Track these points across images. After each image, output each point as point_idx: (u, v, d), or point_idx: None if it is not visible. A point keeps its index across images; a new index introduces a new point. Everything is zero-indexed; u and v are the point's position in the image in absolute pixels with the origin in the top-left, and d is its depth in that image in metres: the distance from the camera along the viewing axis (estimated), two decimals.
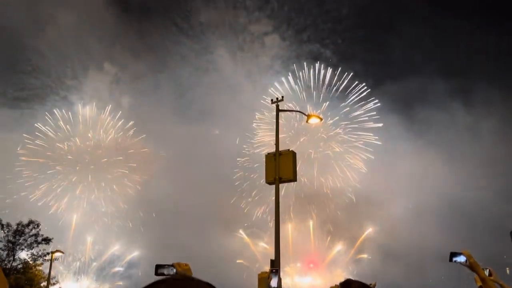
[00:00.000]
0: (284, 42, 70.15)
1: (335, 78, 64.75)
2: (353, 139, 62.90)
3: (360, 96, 63.57)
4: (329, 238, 63.90)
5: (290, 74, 64.69)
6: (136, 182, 64.02)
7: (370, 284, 7.13)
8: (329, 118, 62.66)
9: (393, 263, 58.71)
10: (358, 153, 62.36)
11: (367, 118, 62.53)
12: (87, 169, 63.41)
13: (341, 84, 64.83)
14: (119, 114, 64.46)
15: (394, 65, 77.83)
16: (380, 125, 61.93)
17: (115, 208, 63.08)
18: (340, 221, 64.16)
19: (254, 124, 63.01)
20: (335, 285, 5.06)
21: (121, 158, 63.97)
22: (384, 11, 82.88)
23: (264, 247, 61.14)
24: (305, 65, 65.23)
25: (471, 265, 3.76)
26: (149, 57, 71.78)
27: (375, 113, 63.26)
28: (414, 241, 59.89)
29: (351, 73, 64.73)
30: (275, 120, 16.78)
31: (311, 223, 63.74)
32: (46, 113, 64.06)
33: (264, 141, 60.55)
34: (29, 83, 66.20)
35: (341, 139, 63.28)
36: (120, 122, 64.33)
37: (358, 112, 62.99)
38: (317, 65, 65.17)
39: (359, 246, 64.06)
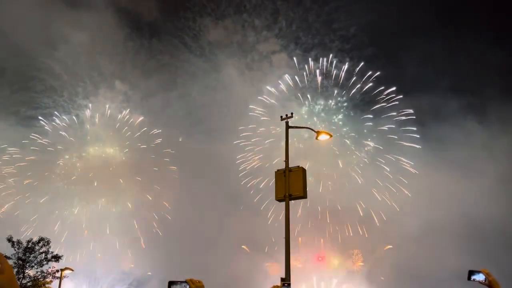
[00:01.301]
0: (292, 61, 70.73)
1: (342, 94, 64.94)
2: (364, 156, 62.64)
3: (369, 113, 63.57)
4: (343, 257, 63.02)
5: (299, 91, 65.00)
6: (147, 199, 64.23)
7: None
8: (338, 134, 62.56)
9: (408, 283, 57.59)
10: (372, 171, 62.03)
11: (375, 134, 62.42)
12: (98, 185, 63.81)
13: (348, 100, 64.94)
14: (129, 131, 65.09)
15: (405, 82, 77.78)
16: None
17: (127, 226, 63.12)
18: (353, 240, 63.36)
19: (265, 140, 63.15)
20: None
21: (135, 175, 64.34)
22: (393, 29, 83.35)
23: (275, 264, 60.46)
24: (315, 82, 65.52)
25: (490, 283, 3.66)
26: (160, 76, 72.77)
27: (383, 129, 63.03)
28: (429, 259, 58.80)
29: (359, 90, 64.83)
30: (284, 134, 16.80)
31: (321, 241, 62.99)
32: (60, 132, 64.96)
33: (275, 158, 60.50)
34: (42, 102, 67.35)
35: (350, 155, 63.03)
36: (132, 139, 64.93)
37: (365, 128, 62.93)
38: (325, 82, 65.50)
39: (373, 265, 63.06)
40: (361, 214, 61.90)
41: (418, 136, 64.62)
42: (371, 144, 63.39)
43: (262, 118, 64.24)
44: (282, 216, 15.45)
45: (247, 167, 63.96)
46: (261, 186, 62.74)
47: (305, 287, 61.65)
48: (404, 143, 63.71)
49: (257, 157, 63.96)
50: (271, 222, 61.76)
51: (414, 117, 63.93)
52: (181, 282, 3.36)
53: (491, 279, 3.66)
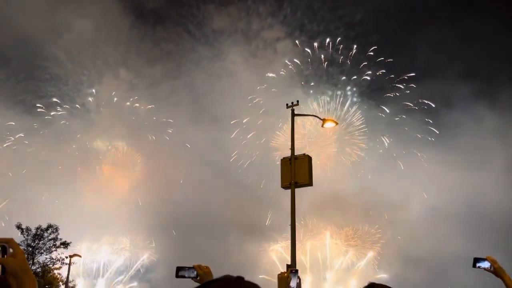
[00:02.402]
0: (297, 48, 70.11)
1: (350, 82, 64.56)
2: (371, 143, 62.53)
3: (376, 99, 63.27)
4: (349, 244, 63.35)
5: (303, 79, 64.72)
6: (154, 186, 64.72)
7: None
8: (344, 123, 62.35)
9: (414, 269, 57.93)
10: (377, 156, 62.01)
11: (383, 120, 62.20)
12: (105, 172, 64.37)
13: (357, 88, 64.59)
14: (137, 119, 65.32)
15: (414, 68, 76.67)
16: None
17: (133, 211, 63.75)
18: (357, 225, 63.57)
19: (269, 128, 63.14)
20: None
21: (140, 161, 64.78)
22: (400, 15, 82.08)
23: (281, 251, 60.96)
24: (321, 69, 65.17)
25: (495, 271, 3.67)
26: (164, 64, 72.47)
27: (389, 117, 62.79)
28: (435, 246, 58.95)
29: (367, 77, 64.41)
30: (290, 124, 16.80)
31: (327, 235, 63.25)
32: (63, 121, 65.35)
33: (280, 145, 60.59)
34: (48, 91, 67.54)
35: (358, 142, 62.93)
36: (138, 127, 65.21)
37: (373, 115, 62.70)
38: (331, 69, 65.09)
39: (376, 251, 63.31)
40: (368, 202, 62.03)
41: (428, 122, 64.35)
42: (379, 130, 63.23)
43: (267, 106, 64.14)
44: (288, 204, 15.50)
45: (252, 155, 64.12)
46: (267, 173, 62.89)
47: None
48: (413, 130, 63.51)
49: (262, 145, 64.04)
50: (278, 210, 62.09)
51: (426, 103, 63.57)
52: (189, 268, 3.40)
53: (496, 266, 3.67)
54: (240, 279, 1.16)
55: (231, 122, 66.34)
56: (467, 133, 63.05)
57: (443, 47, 79.42)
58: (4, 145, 62.05)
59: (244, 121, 65.24)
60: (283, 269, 12.43)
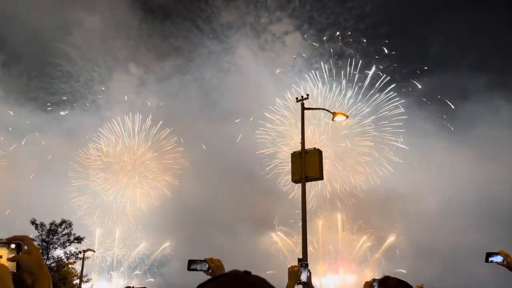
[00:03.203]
0: (306, 41, 69.72)
1: (360, 75, 64.00)
2: (386, 136, 62.08)
3: (388, 93, 62.67)
4: (362, 236, 63.22)
5: (312, 72, 64.31)
6: (167, 181, 65.22)
7: (417, 286, 6.99)
8: (356, 117, 61.91)
9: (426, 261, 57.69)
10: (391, 149, 61.55)
11: (396, 113, 61.62)
12: (120, 169, 64.96)
13: (366, 81, 64.04)
14: (147, 115, 65.68)
15: (426, 60, 75.46)
16: (402, 119, 60.84)
17: (147, 206, 64.38)
18: (371, 217, 63.43)
19: (279, 121, 63.01)
20: (370, 280, 5.02)
21: (154, 156, 65.27)
22: (411, 5, 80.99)
23: (294, 244, 61.09)
24: (330, 63, 64.72)
25: (508, 265, 3.64)
26: (173, 59, 72.71)
27: (403, 110, 62.16)
28: (448, 239, 58.56)
29: (377, 70, 63.81)
30: (299, 118, 16.75)
31: (339, 217, 63.25)
32: (76, 118, 66.00)
33: (290, 139, 60.50)
34: (59, 88, 68.25)
35: (371, 135, 62.53)
36: (149, 123, 65.58)
37: (386, 108, 62.13)
38: (340, 62, 64.59)
39: (390, 243, 63.15)
40: (381, 194, 61.74)
41: (442, 114, 63.71)
42: (390, 123, 62.68)
43: (277, 100, 63.96)
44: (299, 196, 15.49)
45: (263, 149, 64.13)
46: (278, 168, 62.92)
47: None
48: (427, 122, 62.91)
49: (272, 139, 63.96)
50: (290, 203, 62.15)
51: (440, 95, 62.84)
52: (201, 261, 3.43)
53: (509, 260, 3.64)
54: (247, 273, 1.18)
55: (241, 116, 66.45)
56: (483, 125, 62.27)
57: (456, 38, 78.22)
58: (22, 143, 62.89)
59: (254, 115, 65.26)
60: (295, 262, 12.48)
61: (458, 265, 56.23)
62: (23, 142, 63.25)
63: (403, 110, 61.70)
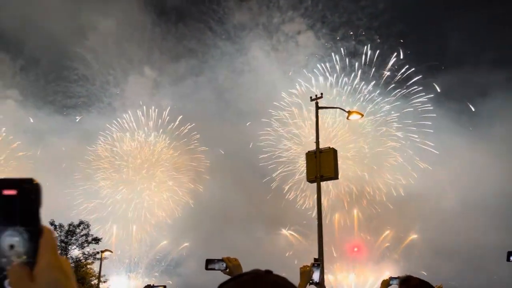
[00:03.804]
0: (319, 41, 69.35)
1: (374, 74, 63.42)
2: (402, 135, 61.46)
3: (404, 90, 62.00)
4: (380, 236, 62.71)
5: (326, 71, 63.97)
6: (184, 182, 65.77)
7: (436, 287, 6.91)
8: (371, 116, 61.38)
9: (445, 261, 56.88)
10: (409, 148, 60.89)
11: (418, 111, 60.96)
12: (136, 169, 65.70)
13: (381, 80, 63.43)
14: (163, 117, 66.27)
15: (444, 58, 74.05)
16: (429, 123, 60.17)
17: (163, 207, 64.98)
18: (388, 216, 62.80)
19: (292, 121, 62.92)
20: (387, 278, 4.96)
21: (170, 155, 65.92)
22: (424, 2, 79.76)
23: (309, 244, 60.91)
24: (344, 62, 64.30)
25: None
26: (187, 61, 73.21)
27: (429, 105, 61.41)
28: (467, 239, 57.54)
29: (392, 68, 63.12)
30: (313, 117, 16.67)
31: (355, 212, 62.84)
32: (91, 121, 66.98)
33: (304, 138, 60.39)
34: (76, 92, 69.31)
35: (388, 134, 61.95)
36: (166, 122, 66.22)
37: (403, 106, 61.50)
38: (354, 61, 64.07)
39: (408, 242, 62.49)
40: (398, 193, 61.04)
41: (461, 112, 62.68)
42: (408, 122, 61.95)
43: (290, 100, 63.84)
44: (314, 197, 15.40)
45: (277, 149, 64.06)
46: (293, 168, 62.79)
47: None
48: (444, 120, 61.94)
49: (286, 139, 63.86)
50: (303, 203, 61.99)
51: (456, 92, 61.85)
52: (218, 260, 3.43)
53: None
54: (268, 272, 1.17)
55: (255, 116, 66.52)
56: (503, 122, 60.95)
57: (474, 34, 76.57)
58: (40, 146, 64.03)
59: (268, 115, 65.24)
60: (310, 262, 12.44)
61: (478, 264, 55.27)
62: (41, 145, 64.41)
63: (419, 108, 60.95)
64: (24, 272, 0.77)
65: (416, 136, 61.35)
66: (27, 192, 0.79)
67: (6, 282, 0.76)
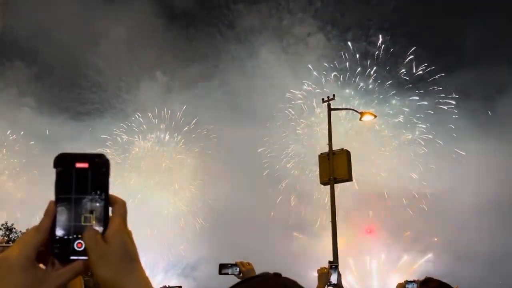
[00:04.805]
0: (330, 42, 69.13)
1: (386, 74, 62.88)
2: (419, 135, 60.80)
3: (419, 90, 61.36)
4: (395, 238, 61.96)
5: (337, 73, 63.66)
6: (196, 185, 65.94)
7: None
8: (385, 117, 60.84)
9: (463, 262, 55.98)
10: (425, 147, 60.22)
11: (429, 111, 60.22)
12: (149, 171, 66.15)
13: (393, 79, 62.83)
14: (176, 122, 66.64)
15: (460, 56, 72.81)
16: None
17: (176, 210, 65.27)
18: (404, 218, 62.09)
19: (307, 124, 62.71)
20: (403, 281, 4.89)
21: (180, 161, 66.17)
22: (437, 1, 78.83)
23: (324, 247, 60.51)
24: (355, 63, 63.93)
25: None
26: (199, 65, 73.64)
27: (431, 111, 60.66)
28: (485, 240, 56.48)
29: (405, 68, 62.52)
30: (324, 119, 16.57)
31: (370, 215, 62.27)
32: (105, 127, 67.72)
33: (318, 140, 60.07)
34: (89, 98, 70.18)
35: (403, 134, 61.35)
36: (180, 124, 66.54)
37: (417, 106, 60.84)
38: (365, 62, 63.68)
39: (425, 245, 61.66)
40: (415, 195, 60.31)
41: (478, 111, 61.66)
42: (422, 122, 61.26)
43: (302, 102, 63.71)
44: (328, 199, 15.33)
45: (290, 152, 63.90)
46: (306, 170, 62.57)
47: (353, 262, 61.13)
48: (461, 120, 61.05)
49: (299, 141, 63.69)
50: (317, 205, 61.66)
51: (472, 92, 60.81)
52: (232, 265, 3.42)
53: None
54: (277, 275, 1.18)
55: (267, 120, 66.49)
56: None
57: (491, 33, 75.31)
58: (55, 153, 64.72)
59: (280, 118, 65.16)
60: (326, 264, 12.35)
61: (496, 265, 54.27)
62: (55, 152, 65.15)
63: (434, 108, 60.18)
64: (98, 235, 0.86)
65: (432, 136, 60.65)
66: (98, 165, 0.87)
67: (76, 244, 0.84)
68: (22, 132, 61.85)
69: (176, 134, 67.54)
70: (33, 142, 61.66)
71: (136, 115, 70.13)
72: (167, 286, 8.08)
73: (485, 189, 59.85)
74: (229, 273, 3.39)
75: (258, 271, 3.52)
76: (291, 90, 67.96)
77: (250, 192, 66.04)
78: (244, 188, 66.32)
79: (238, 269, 3.37)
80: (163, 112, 69.41)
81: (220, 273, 3.41)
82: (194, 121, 68.82)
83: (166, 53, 77.97)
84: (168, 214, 65.70)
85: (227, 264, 3.44)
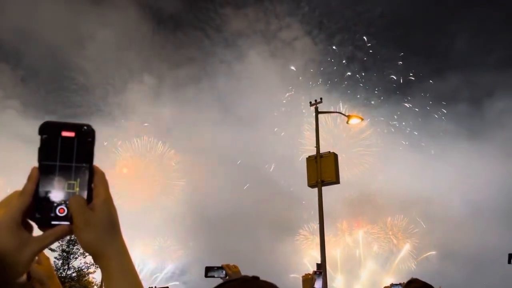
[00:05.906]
0: (317, 47, 69.72)
1: (373, 78, 63.63)
2: (407, 138, 61.52)
3: (405, 93, 62.15)
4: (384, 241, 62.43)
5: (324, 77, 64.22)
6: (183, 187, 65.64)
7: None
8: (373, 119, 61.43)
9: (451, 265, 56.58)
10: (415, 150, 60.95)
11: (416, 114, 61.07)
12: (139, 177, 65.63)
13: (380, 83, 63.60)
14: (162, 125, 66.35)
15: (446, 59, 73.73)
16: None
17: (164, 213, 64.82)
18: (393, 221, 62.59)
19: (294, 127, 62.99)
20: (389, 285, 4.94)
21: (169, 163, 65.83)
22: (426, 4, 79.95)
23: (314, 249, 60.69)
24: (341, 67, 64.51)
25: None
26: (186, 68, 73.60)
27: (418, 110, 61.51)
28: (473, 242, 57.22)
29: (391, 71, 63.34)
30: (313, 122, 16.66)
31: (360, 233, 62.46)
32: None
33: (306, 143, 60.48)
34: (76, 101, 69.57)
35: (390, 137, 62.04)
36: (165, 131, 66.27)
37: (405, 110, 61.64)
38: (352, 66, 64.39)
39: (413, 247, 62.17)
40: (402, 197, 60.90)
41: (467, 114, 62.68)
42: (411, 125, 62.07)
43: (289, 105, 64.03)
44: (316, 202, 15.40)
45: (277, 154, 64.08)
46: (292, 172, 62.78)
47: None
48: (450, 123, 61.98)
49: (286, 144, 63.91)
50: (305, 208, 61.86)
51: (462, 94, 61.83)
52: (218, 267, 3.43)
53: None
54: (255, 278, 1.20)
55: (255, 122, 66.67)
56: (510, 123, 60.77)
57: (480, 34, 76.40)
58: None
59: (268, 121, 65.38)
60: (314, 268, 12.36)
61: (483, 267, 54.97)
62: None
63: (423, 111, 61.04)
64: (84, 201, 0.87)
65: (421, 140, 61.47)
66: (85, 135, 0.89)
67: (58, 210, 0.84)
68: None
69: (162, 136, 67.54)
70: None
71: (123, 119, 69.94)
72: (154, 287, 8.03)
73: (473, 192, 60.78)
74: (215, 276, 3.40)
75: (244, 273, 3.53)
76: (278, 93, 68.41)
77: (238, 196, 66.04)
78: (232, 191, 66.32)
79: (224, 272, 3.38)
80: (151, 116, 69.43)
81: (206, 276, 3.42)
82: (181, 124, 68.86)
83: (154, 56, 77.82)
84: (154, 217, 65.38)
85: (213, 267, 3.45)
